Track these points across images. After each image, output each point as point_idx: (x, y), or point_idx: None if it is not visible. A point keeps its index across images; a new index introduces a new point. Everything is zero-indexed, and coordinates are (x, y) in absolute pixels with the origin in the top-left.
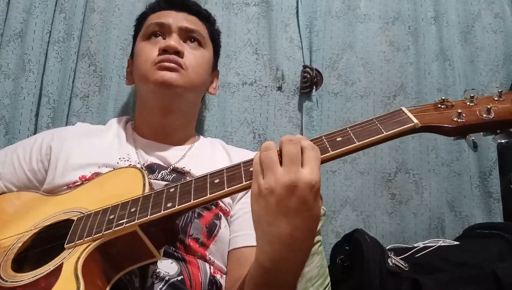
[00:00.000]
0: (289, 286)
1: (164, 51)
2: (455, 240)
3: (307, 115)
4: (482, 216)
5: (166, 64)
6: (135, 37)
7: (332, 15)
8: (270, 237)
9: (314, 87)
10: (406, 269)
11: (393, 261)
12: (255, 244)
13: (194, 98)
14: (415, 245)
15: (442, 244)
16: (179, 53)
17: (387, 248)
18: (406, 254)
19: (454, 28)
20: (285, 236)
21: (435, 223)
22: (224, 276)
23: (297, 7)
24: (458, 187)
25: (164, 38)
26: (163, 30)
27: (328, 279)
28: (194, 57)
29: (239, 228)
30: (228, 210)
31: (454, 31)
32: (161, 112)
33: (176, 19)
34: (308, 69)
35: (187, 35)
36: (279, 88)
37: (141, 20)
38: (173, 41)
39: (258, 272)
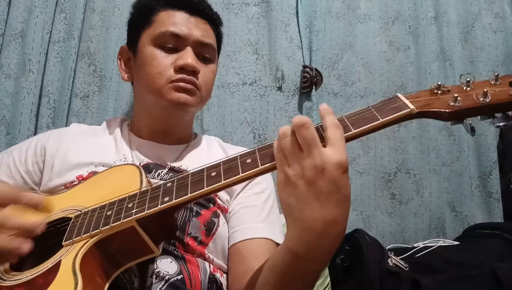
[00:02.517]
0: (314, 276)
1: (180, 68)
2: (455, 240)
3: (307, 115)
4: (482, 216)
5: (183, 85)
6: (134, 26)
7: (332, 15)
8: (303, 223)
9: (314, 87)
10: (406, 269)
11: (393, 261)
12: (256, 236)
13: (198, 110)
14: (415, 245)
15: (442, 244)
16: (195, 72)
17: (387, 248)
18: (406, 254)
19: (454, 28)
20: (318, 221)
21: (435, 223)
22: (224, 274)
23: (297, 7)
24: (458, 187)
25: (178, 49)
26: (178, 42)
27: (328, 279)
28: (207, 74)
29: (238, 223)
30: (226, 207)
31: (454, 31)
32: (165, 121)
33: (191, 28)
34: (308, 69)
35: (200, 49)
36: (279, 88)
37: (149, 12)
38: (191, 58)
39: (287, 260)
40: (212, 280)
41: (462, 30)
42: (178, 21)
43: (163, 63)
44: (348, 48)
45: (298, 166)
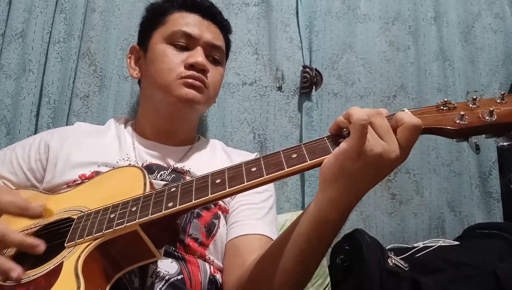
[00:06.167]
0: (332, 239)
1: (191, 66)
2: (455, 240)
3: (307, 115)
4: (482, 216)
5: (192, 81)
6: (147, 26)
7: (332, 15)
8: (348, 190)
9: (314, 87)
10: (406, 269)
11: (393, 261)
12: (253, 232)
13: (204, 109)
14: (415, 245)
15: (442, 244)
16: (204, 71)
17: (387, 248)
18: (406, 254)
19: (454, 28)
20: (362, 192)
21: (435, 223)
22: None
23: (297, 7)
24: (458, 187)
25: (188, 48)
26: (189, 41)
27: (328, 279)
28: (215, 75)
29: (236, 219)
30: (227, 207)
31: (454, 31)
32: (170, 120)
33: (202, 30)
34: (308, 69)
35: (210, 51)
36: (279, 88)
37: (162, 13)
38: (201, 57)
39: (316, 226)
40: (212, 281)
41: (462, 30)
42: (191, 22)
43: (174, 60)
44: (348, 48)
45: (388, 147)
